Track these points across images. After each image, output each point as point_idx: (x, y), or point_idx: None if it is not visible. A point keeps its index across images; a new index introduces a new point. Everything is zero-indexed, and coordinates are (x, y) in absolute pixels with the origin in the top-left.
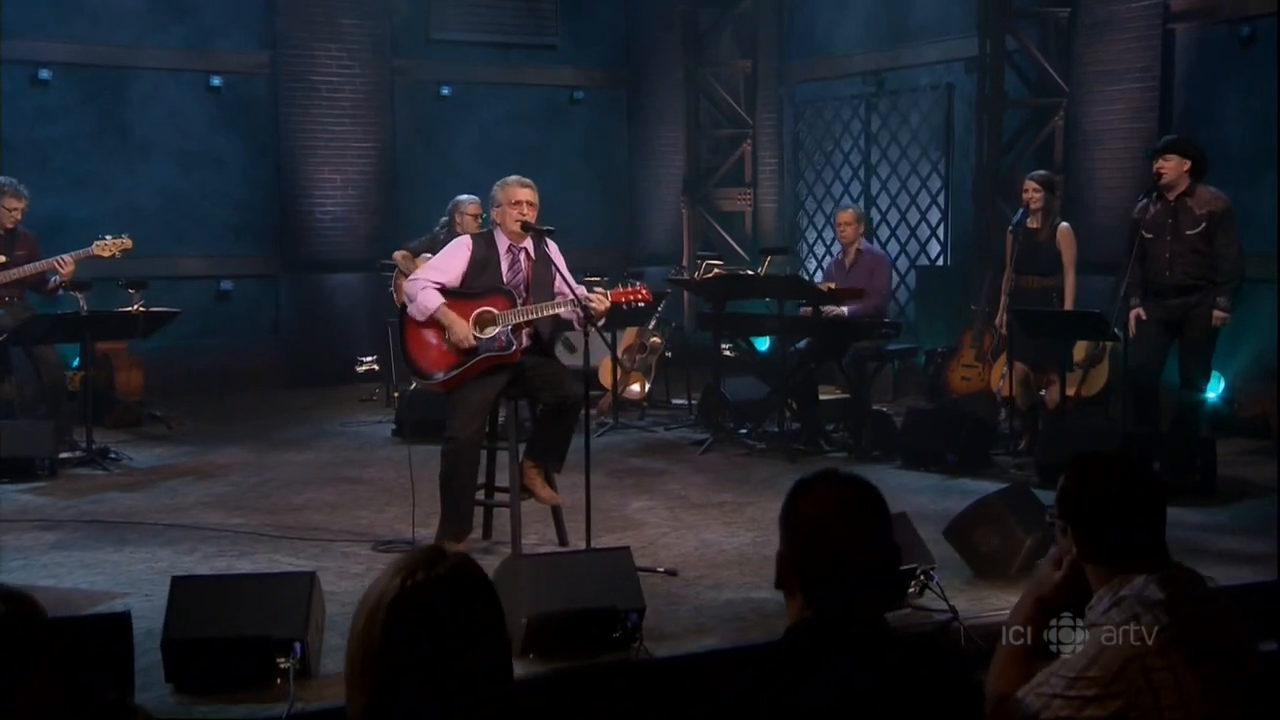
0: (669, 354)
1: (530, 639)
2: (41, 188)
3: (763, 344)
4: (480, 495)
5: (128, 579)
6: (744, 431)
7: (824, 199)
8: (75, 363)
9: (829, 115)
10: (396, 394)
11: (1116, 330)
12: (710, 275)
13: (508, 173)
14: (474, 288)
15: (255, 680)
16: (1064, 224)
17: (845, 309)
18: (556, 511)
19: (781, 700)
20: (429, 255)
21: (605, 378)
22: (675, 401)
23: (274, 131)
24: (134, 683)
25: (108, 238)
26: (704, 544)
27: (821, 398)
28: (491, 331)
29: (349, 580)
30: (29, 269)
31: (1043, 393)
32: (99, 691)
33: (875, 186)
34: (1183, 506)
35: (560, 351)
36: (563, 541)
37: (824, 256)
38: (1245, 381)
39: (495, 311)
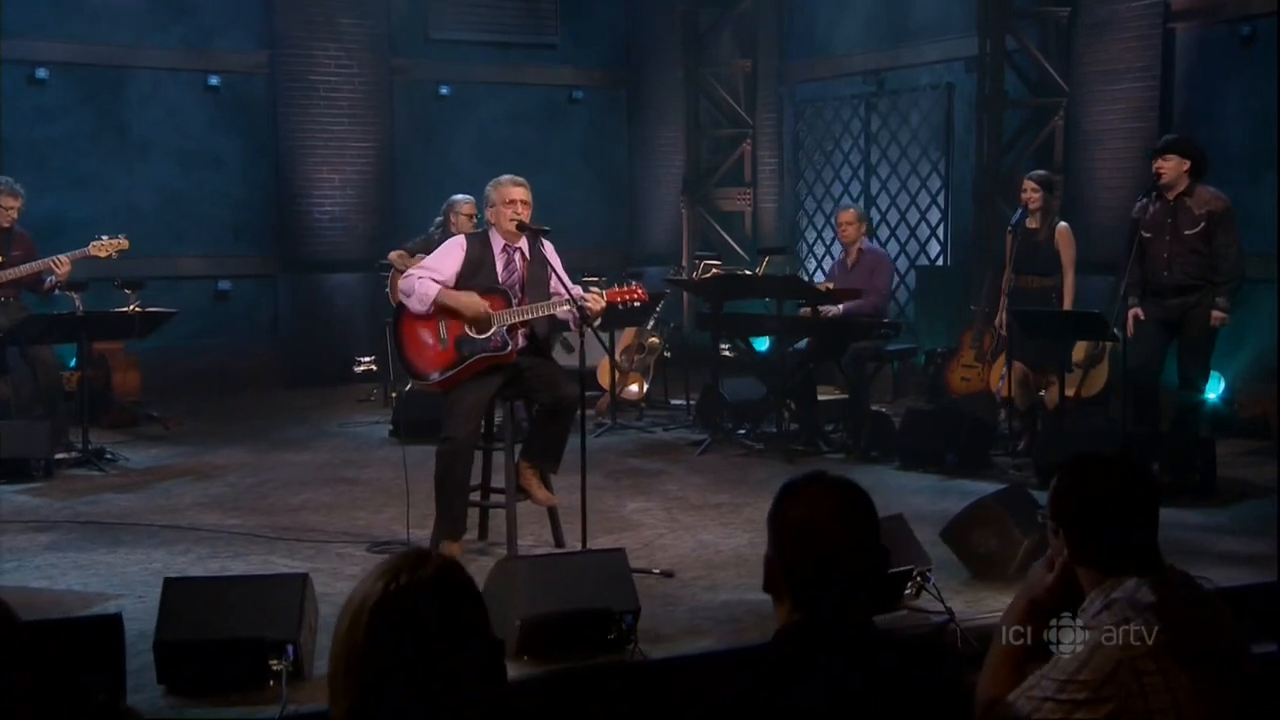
0: (668, 354)
1: (525, 640)
2: (39, 187)
3: (762, 344)
4: (476, 496)
5: (121, 580)
6: (742, 432)
7: (824, 199)
8: (72, 363)
9: (829, 115)
10: (394, 394)
11: (1116, 330)
12: (708, 275)
13: (507, 172)
14: (469, 288)
15: (248, 682)
16: (1063, 224)
17: (840, 306)
18: (552, 512)
19: (769, 704)
20: (424, 256)
21: (603, 378)
22: (674, 402)
23: (272, 131)
24: (126, 685)
25: (104, 238)
26: (701, 545)
27: (820, 398)
28: (487, 332)
29: (344, 582)
30: (25, 269)
31: (1042, 393)
32: (90, 694)
33: (875, 186)
34: (1182, 507)
35: (558, 352)
36: (559, 543)
37: (824, 256)
38: (1245, 382)
39: (491, 311)
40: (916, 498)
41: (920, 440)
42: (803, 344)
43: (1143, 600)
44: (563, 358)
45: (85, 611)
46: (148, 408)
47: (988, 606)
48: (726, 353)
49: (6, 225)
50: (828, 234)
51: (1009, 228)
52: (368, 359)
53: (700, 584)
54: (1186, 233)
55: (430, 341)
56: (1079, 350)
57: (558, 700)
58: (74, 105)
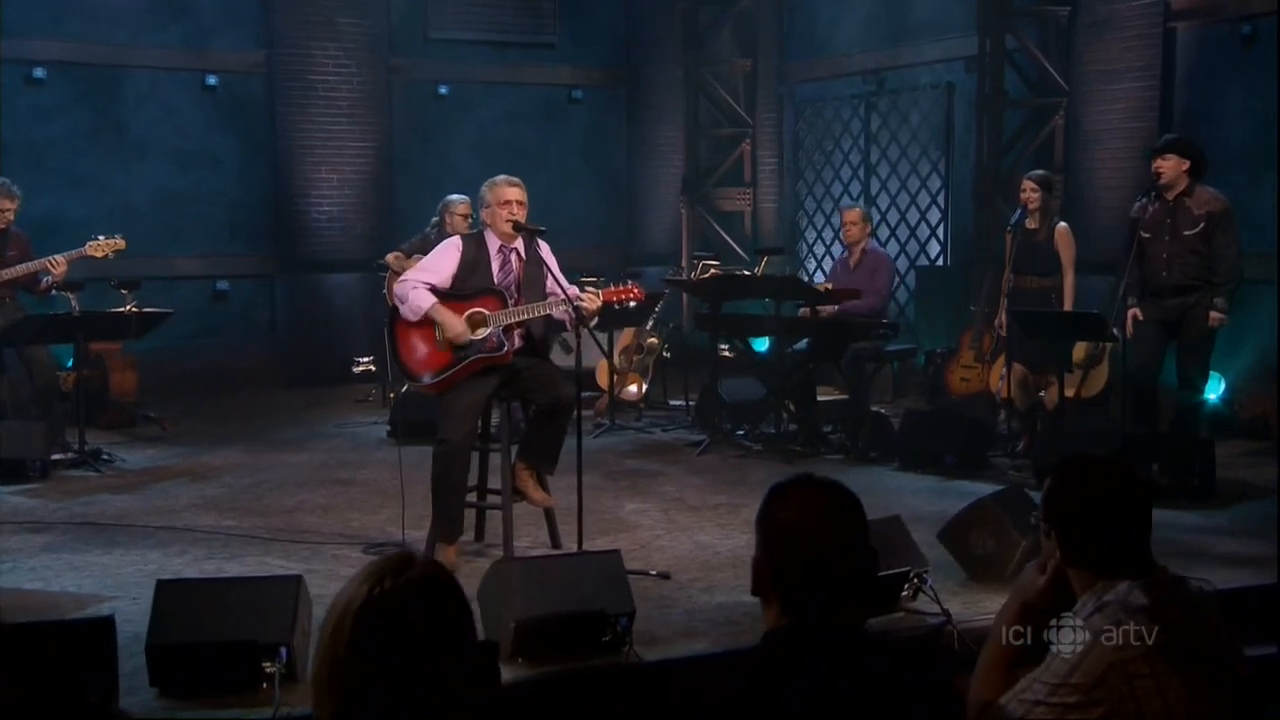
0: (667, 354)
1: (519, 642)
2: (36, 187)
3: (761, 345)
4: (472, 497)
5: (116, 582)
6: (741, 433)
7: (824, 199)
8: (69, 363)
9: (829, 114)
10: (392, 395)
11: (1115, 331)
12: (706, 275)
13: (506, 172)
14: (465, 289)
15: (241, 684)
16: (1062, 224)
17: (836, 305)
18: (549, 514)
19: (757, 708)
20: (421, 257)
21: (602, 379)
22: (672, 403)
23: (270, 131)
24: (118, 687)
25: (100, 238)
26: (698, 546)
27: (820, 399)
28: (483, 332)
29: (339, 583)
30: (21, 269)
31: (1041, 394)
32: (83, 696)
33: (875, 186)
34: (1182, 508)
35: (557, 352)
36: (555, 544)
37: (823, 257)
38: (1246, 382)
39: (486, 312)
40: (915, 499)
41: (919, 441)
42: (802, 344)
43: (1135, 603)
44: (562, 359)
45: (79, 613)
46: (145, 408)
47: (985, 608)
48: (725, 353)
49: (3, 226)
50: (827, 234)
51: (1008, 228)
52: (366, 359)
53: (697, 585)
54: (1185, 233)
55: (424, 343)
56: (1079, 350)
57: (552, 703)
58: (71, 105)
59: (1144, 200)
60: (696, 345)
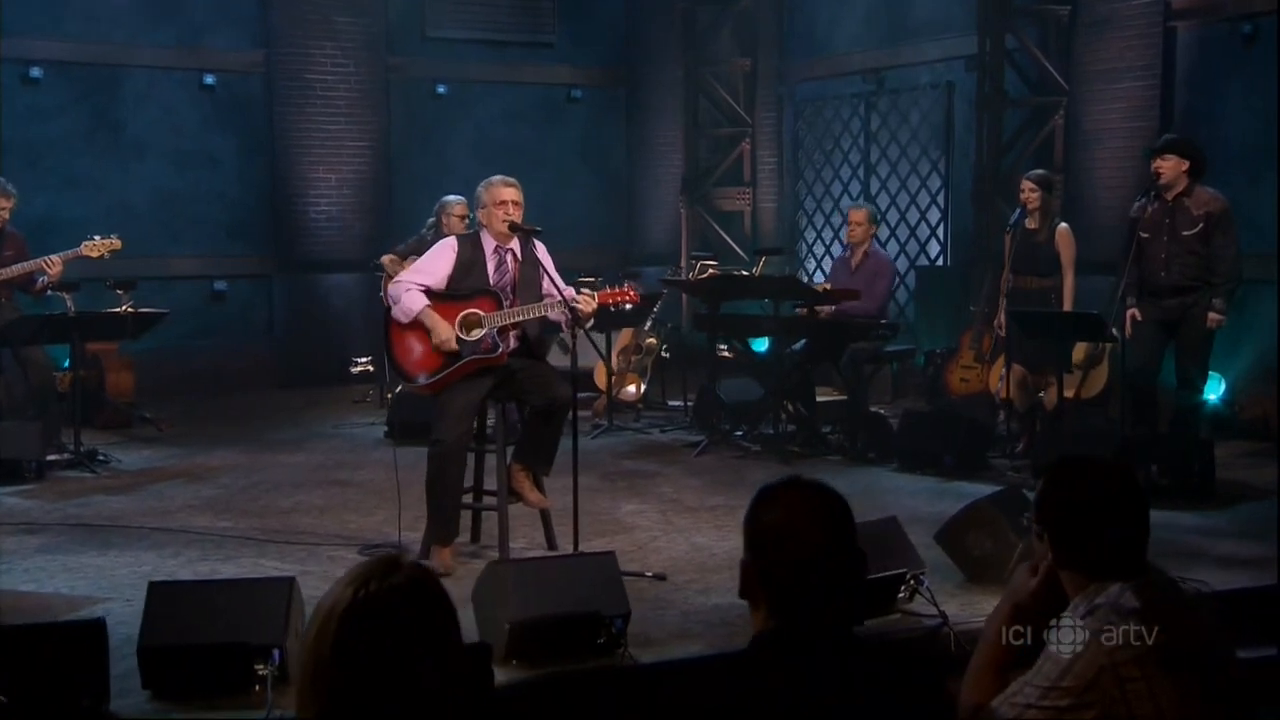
0: (665, 355)
1: (514, 644)
2: (33, 187)
3: (760, 345)
4: (468, 498)
5: (110, 583)
6: (739, 434)
7: (823, 198)
8: (65, 364)
9: (829, 114)
10: (390, 395)
11: (1114, 331)
12: (705, 275)
13: (504, 172)
14: (460, 290)
15: (233, 687)
16: (1063, 224)
17: (834, 305)
18: (545, 515)
19: (746, 711)
20: (417, 258)
21: (600, 379)
22: (671, 403)
23: (268, 130)
24: (110, 690)
25: (96, 238)
26: (695, 548)
27: (819, 399)
28: (478, 334)
29: None
30: (16, 269)
31: (1041, 394)
32: (75, 699)
33: (875, 186)
34: (1181, 509)
35: (556, 353)
36: (551, 545)
37: (823, 256)
38: (1246, 383)
39: (481, 313)
40: (913, 500)
41: (918, 442)
42: (800, 345)
43: (1126, 605)
44: (561, 359)
45: (72, 615)
46: (142, 409)
47: (983, 610)
48: (724, 353)
49: None
50: (827, 234)
51: (1007, 228)
52: (364, 360)
53: (693, 587)
54: (1184, 233)
55: (418, 344)
56: (1079, 351)
57: (545, 705)
58: (68, 104)
59: (1143, 200)
60: (695, 345)
